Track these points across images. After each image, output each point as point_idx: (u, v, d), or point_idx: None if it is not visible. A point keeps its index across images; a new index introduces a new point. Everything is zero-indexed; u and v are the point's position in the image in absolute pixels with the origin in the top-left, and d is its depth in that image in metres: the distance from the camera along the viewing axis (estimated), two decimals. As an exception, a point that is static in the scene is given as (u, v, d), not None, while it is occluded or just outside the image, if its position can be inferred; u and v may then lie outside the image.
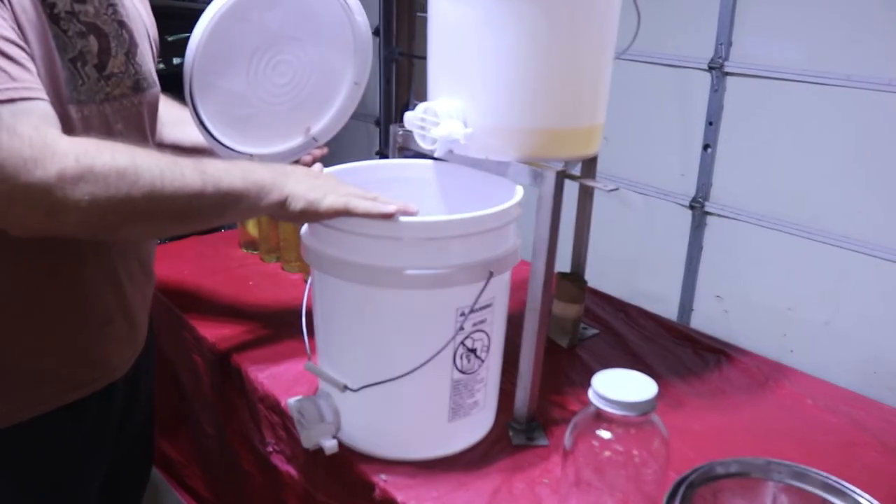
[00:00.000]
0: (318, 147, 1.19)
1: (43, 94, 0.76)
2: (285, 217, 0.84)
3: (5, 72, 0.72)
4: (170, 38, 2.01)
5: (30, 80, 0.74)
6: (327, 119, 1.16)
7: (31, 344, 0.89)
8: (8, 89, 0.71)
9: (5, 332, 0.87)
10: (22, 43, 0.76)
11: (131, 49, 0.92)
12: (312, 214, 0.83)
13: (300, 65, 1.08)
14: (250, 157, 1.08)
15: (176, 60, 2.07)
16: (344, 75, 1.13)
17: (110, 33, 0.88)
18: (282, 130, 1.13)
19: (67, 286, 0.90)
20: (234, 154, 1.07)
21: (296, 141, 1.15)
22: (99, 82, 0.87)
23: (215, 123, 1.03)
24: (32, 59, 0.78)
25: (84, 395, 0.95)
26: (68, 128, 0.83)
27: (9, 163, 0.69)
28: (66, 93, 0.83)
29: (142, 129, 0.97)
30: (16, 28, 0.76)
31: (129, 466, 1.15)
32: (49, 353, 0.90)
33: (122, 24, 0.91)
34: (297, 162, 1.16)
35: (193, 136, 1.08)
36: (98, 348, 0.96)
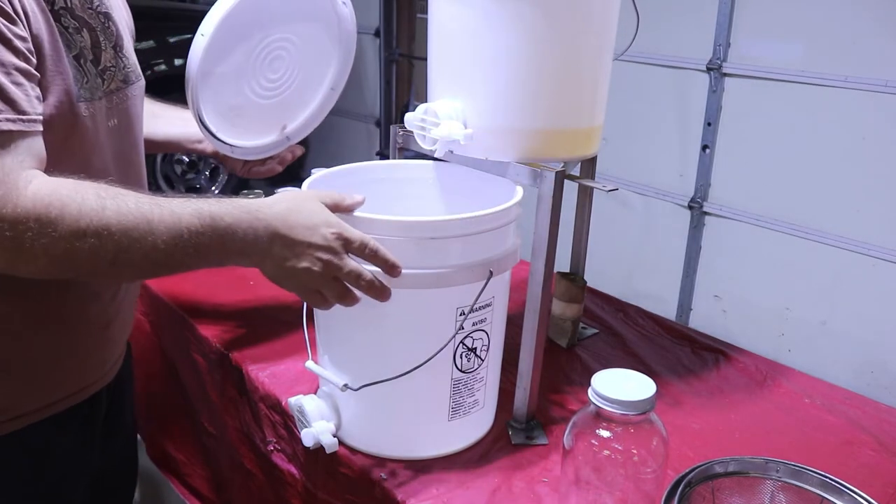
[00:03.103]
0: (292, 146, 1.23)
1: (38, 126, 0.74)
2: None
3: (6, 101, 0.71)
4: (172, 40, 2.00)
5: (30, 111, 0.73)
6: (302, 119, 1.20)
7: (30, 355, 0.88)
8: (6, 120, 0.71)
9: (9, 344, 0.86)
10: (31, 65, 0.75)
11: (118, 42, 0.91)
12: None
13: (290, 64, 1.12)
14: (231, 148, 1.11)
15: (178, 62, 2.04)
16: (324, 80, 1.18)
17: (97, 27, 0.87)
18: (261, 125, 1.17)
19: (74, 301, 0.90)
20: (218, 144, 1.09)
21: (271, 137, 1.19)
22: (97, 78, 0.86)
23: (208, 111, 1.04)
24: (43, 65, 0.77)
25: (71, 404, 0.93)
26: (79, 127, 0.83)
27: None
28: (74, 91, 0.82)
29: (134, 123, 0.96)
30: (29, 41, 0.75)
31: (116, 476, 1.14)
32: (45, 365, 0.89)
33: (107, 17, 0.89)
34: (274, 158, 1.21)
35: (164, 129, 1.12)
36: (93, 357, 0.95)
